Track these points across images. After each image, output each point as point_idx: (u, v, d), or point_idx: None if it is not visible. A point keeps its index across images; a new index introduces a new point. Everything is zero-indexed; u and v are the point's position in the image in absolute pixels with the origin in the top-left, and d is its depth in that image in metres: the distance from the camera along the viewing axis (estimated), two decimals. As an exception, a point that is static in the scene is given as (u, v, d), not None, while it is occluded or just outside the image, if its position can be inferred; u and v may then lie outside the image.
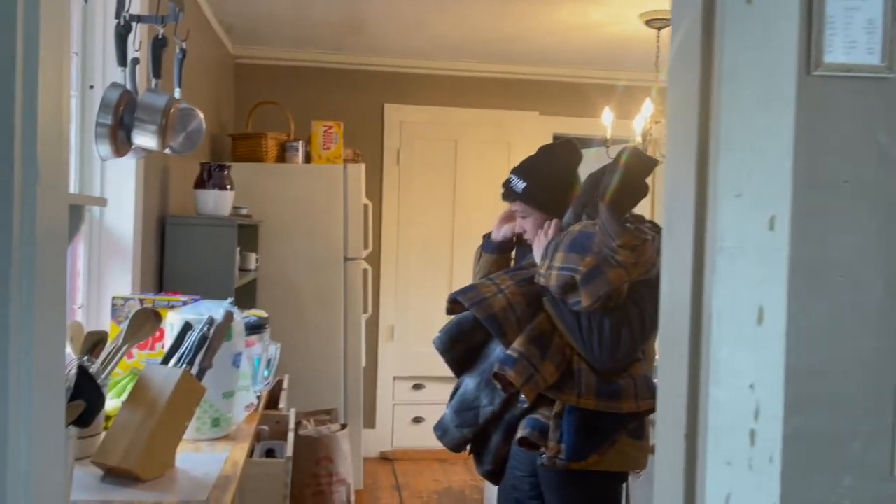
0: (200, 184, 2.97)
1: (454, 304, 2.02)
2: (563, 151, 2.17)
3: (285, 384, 2.69)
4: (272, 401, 2.49)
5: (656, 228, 1.94)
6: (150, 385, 1.57)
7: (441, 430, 2.08)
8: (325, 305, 3.93)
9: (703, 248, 0.96)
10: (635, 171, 1.85)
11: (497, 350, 1.95)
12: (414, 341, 4.83)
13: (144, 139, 1.85)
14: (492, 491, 3.32)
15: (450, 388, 4.84)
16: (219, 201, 2.96)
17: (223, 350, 1.81)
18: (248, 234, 3.76)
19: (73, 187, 2.36)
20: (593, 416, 1.85)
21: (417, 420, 4.84)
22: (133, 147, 1.90)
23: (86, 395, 1.24)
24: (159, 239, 2.88)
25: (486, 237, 2.28)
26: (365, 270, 4.05)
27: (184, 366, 1.60)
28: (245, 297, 3.74)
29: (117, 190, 2.47)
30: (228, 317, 1.72)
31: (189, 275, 2.89)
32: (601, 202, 1.80)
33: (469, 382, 2.02)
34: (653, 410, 1.83)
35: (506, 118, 4.83)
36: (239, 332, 1.88)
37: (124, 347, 1.66)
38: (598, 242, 1.79)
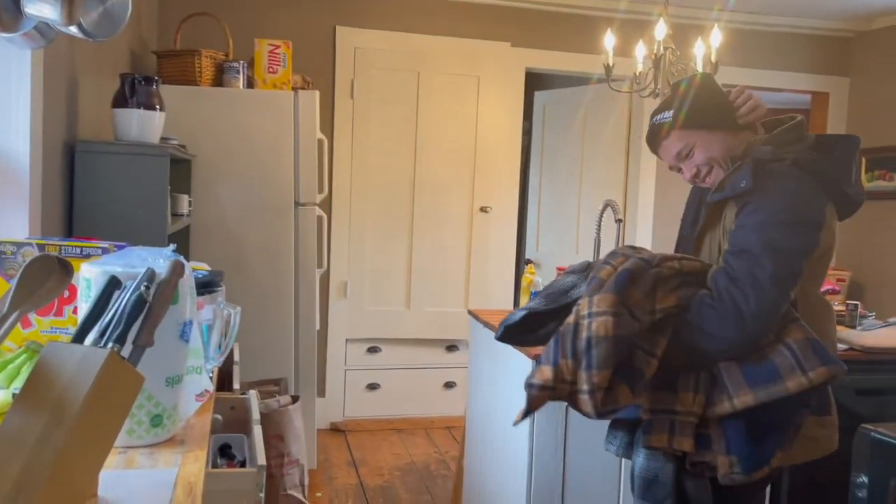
0: (121, 102, 2.32)
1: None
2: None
3: (236, 356, 2.13)
4: (222, 379, 1.94)
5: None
6: (57, 375, 1.01)
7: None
8: (273, 259, 3.34)
9: None
10: None
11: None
12: (369, 300, 4.30)
13: (39, 6, 1.24)
14: (474, 465, 2.87)
15: (410, 351, 4.42)
16: (145, 124, 2.32)
17: (165, 318, 1.25)
18: (179, 172, 3.11)
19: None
20: (761, 411, 1.44)
21: (372, 387, 4.34)
22: (25, 19, 1.29)
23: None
24: (67, 171, 2.24)
25: None
26: (319, 218, 3.47)
27: (111, 344, 1.04)
28: (176, 248, 3.12)
29: (4, 99, 1.82)
30: (177, 269, 1.16)
31: (107, 218, 2.27)
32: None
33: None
34: (832, 379, 1.45)
35: (475, 48, 4.27)
36: (187, 292, 1.32)
37: (15, 314, 1.09)
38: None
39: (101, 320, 1.10)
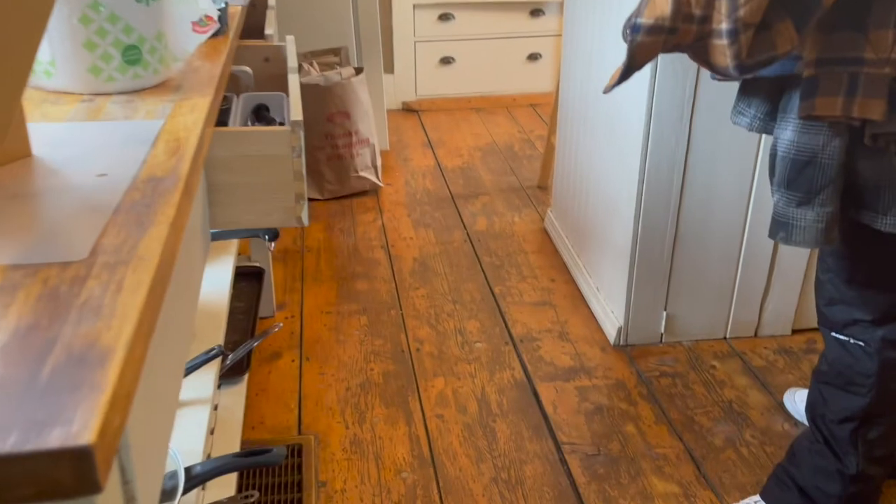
0: None
1: None
2: None
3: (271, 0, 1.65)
4: (252, 27, 1.48)
5: None
6: None
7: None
8: None
9: None
10: None
11: None
12: (438, -45, 3.60)
13: None
14: (568, 143, 2.47)
15: (487, 17, 3.80)
16: None
17: None
18: None
19: None
20: None
21: (446, 61, 3.84)
22: None
23: None
24: None
25: None
26: None
27: None
28: None
29: None
30: None
31: None
32: None
33: None
34: None
35: None
36: None
37: None
38: None
39: None
